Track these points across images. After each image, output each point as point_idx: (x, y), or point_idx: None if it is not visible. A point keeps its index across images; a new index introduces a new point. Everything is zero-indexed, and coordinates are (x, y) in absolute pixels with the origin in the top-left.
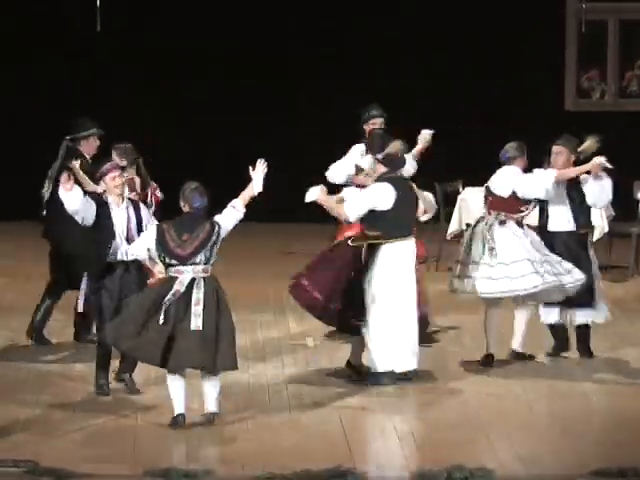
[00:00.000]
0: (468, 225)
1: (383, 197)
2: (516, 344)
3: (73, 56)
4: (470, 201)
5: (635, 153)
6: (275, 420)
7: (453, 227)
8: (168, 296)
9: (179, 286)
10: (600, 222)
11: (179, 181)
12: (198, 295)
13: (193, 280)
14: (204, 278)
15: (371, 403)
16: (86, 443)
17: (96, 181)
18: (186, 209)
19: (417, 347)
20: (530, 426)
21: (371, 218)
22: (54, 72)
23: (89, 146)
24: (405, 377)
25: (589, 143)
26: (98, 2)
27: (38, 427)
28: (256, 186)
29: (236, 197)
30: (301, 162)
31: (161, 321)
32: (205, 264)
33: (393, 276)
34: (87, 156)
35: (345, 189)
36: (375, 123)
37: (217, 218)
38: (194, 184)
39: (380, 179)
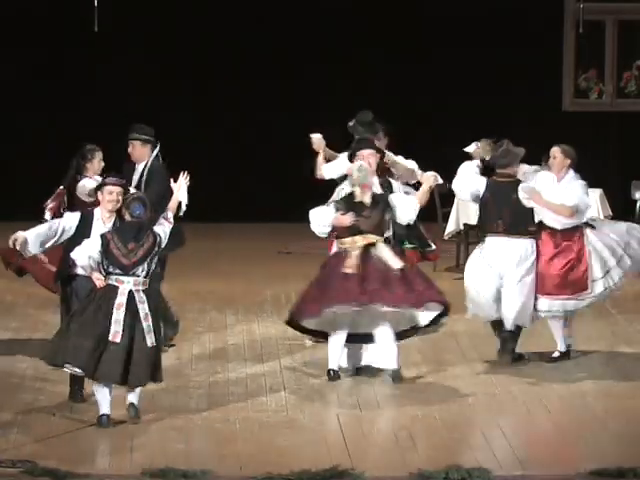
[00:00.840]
0: (465, 225)
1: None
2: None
3: (71, 55)
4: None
5: (633, 153)
6: (273, 420)
7: (450, 227)
8: (114, 313)
9: (121, 298)
10: None
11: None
12: (145, 310)
13: (133, 293)
14: (144, 291)
15: (369, 403)
16: (84, 443)
17: (95, 190)
18: (127, 217)
19: None
20: (528, 426)
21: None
22: (52, 71)
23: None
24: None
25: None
26: (96, 2)
27: (36, 427)
28: (182, 198)
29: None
30: (294, 163)
31: (118, 339)
32: (145, 277)
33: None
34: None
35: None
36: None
37: (157, 229)
38: (137, 194)
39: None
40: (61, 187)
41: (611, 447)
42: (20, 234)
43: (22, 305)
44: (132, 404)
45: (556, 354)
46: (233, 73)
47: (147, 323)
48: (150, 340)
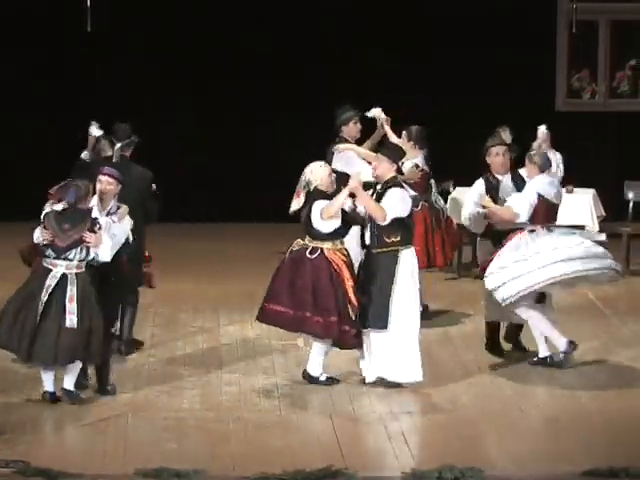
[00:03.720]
0: (458, 225)
1: (406, 203)
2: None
3: (71, 55)
4: (461, 201)
5: (626, 153)
6: (266, 420)
7: None
8: (42, 293)
9: (51, 281)
10: (590, 222)
11: (181, 180)
12: (72, 291)
13: (65, 276)
14: (77, 274)
15: (362, 403)
16: (77, 443)
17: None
18: (64, 204)
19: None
20: (521, 426)
21: (393, 224)
22: (52, 71)
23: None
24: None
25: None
26: (89, 2)
27: (29, 427)
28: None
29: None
30: (294, 163)
31: (37, 319)
32: (79, 261)
33: (413, 282)
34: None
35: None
36: (357, 122)
37: (102, 219)
38: (75, 182)
39: (393, 184)
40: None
41: (604, 447)
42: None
43: None
44: (63, 390)
45: (536, 358)
46: (233, 73)
47: (71, 304)
48: (70, 321)
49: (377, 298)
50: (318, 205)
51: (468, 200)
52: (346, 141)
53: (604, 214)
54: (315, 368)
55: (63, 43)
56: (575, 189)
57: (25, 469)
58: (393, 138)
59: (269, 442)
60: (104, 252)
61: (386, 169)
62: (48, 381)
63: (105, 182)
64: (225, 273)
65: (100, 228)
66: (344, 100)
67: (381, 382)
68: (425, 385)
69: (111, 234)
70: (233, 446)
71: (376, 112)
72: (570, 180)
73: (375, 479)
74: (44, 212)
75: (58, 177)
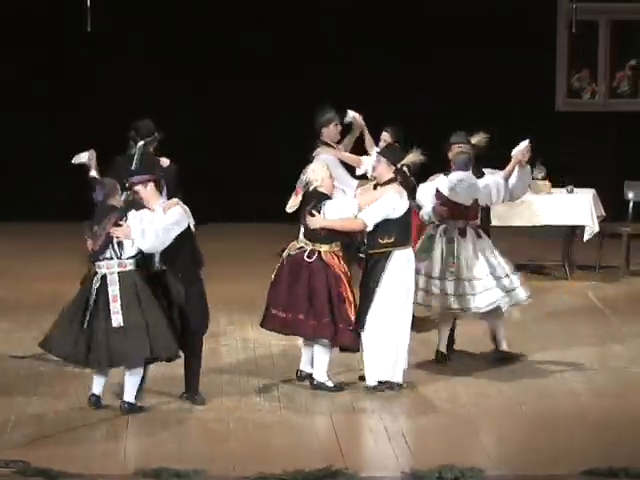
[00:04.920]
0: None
1: (399, 205)
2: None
3: (71, 55)
4: None
5: (626, 153)
6: (266, 420)
7: None
8: (90, 298)
9: (95, 284)
10: (591, 222)
11: (181, 180)
12: (114, 291)
13: (105, 277)
14: (120, 273)
15: (362, 403)
16: (77, 443)
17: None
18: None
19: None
20: (520, 426)
21: (384, 225)
22: (52, 71)
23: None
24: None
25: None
26: (89, 2)
27: (29, 427)
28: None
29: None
30: (294, 163)
31: (85, 325)
32: (119, 259)
33: (406, 282)
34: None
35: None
36: (337, 124)
37: (131, 213)
38: (101, 180)
39: (390, 185)
40: None
41: (603, 447)
42: None
43: (14, 305)
44: (124, 402)
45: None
46: (233, 73)
47: (114, 304)
48: (116, 321)
49: (362, 299)
50: (333, 206)
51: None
52: (326, 144)
53: (604, 214)
54: (321, 374)
55: (63, 43)
56: (575, 189)
57: (25, 469)
58: (369, 142)
59: (269, 442)
60: (140, 242)
61: (385, 170)
62: (98, 385)
63: (137, 191)
64: (225, 273)
65: (126, 220)
66: (344, 100)
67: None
68: (425, 385)
69: (148, 224)
70: (233, 446)
71: (350, 117)
72: (570, 180)
73: (375, 479)
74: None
75: (58, 177)
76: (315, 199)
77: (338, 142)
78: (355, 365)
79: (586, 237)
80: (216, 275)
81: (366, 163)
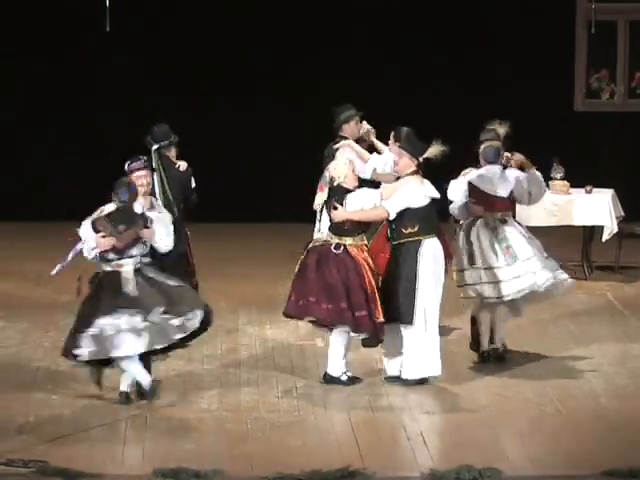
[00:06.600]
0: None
1: (420, 194)
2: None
3: (71, 55)
4: None
5: None
6: (284, 420)
7: None
8: (128, 291)
9: (126, 281)
10: (609, 222)
11: (198, 181)
12: (153, 272)
13: (136, 269)
14: (145, 264)
15: (380, 403)
16: (96, 443)
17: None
18: (116, 203)
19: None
20: (539, 426)
21: (407, 215)
22: (52, 71)
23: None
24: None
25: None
26: (107, 2)
27: (48, 427)
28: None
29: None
30: (305, 163)
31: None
32: (142, 256)
33: (437, 272)
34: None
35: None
36: (358, 121)
37: (150, 213)
38: (124, 179)
39: (412, 176)
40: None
41: (623, 447)
42: None
43: (32, 306)
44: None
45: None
46: (233, 73)
47: (162, 276)
48: (174, 281)
49: (402, 292)
50: (355, 197)
51: (453, 189)
52: (345, 140)
53: (623, 214)
54: (335, 369)
55: (63, 43)
56: (594, 189)
57: (44, 469)
58: (380, 146)
59: (287, 442)
60: (163, 243)
61: (406, 164)
62: (127, 380)
63: (141, 177)
64: (242, 273)
65: (152, 222)
66: (343, 100)
67: (399, 380)
68: (444, 385)
69: (165, 224)
70: (251, 446)
71: (365, 129)
72: (589, 180)
73: (393, 479)
74: (92, 219)
75: (58, 177)
76: (338, 194)
77: (358, 139)
78: (374, 365)
79: (605, 237)
80: (233, 275)
81: (372, 162)
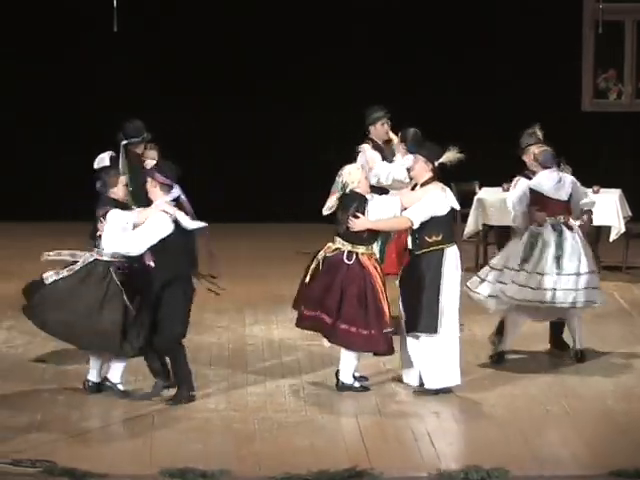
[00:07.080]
0: (485, 226)
1: (444, 202)
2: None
3: (71, 55)
4: (486, 201)
5: None
6: (291, 420)
7: (470, 228)
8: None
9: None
10: (617, 223)
11: (193, 179)
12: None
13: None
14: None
15: (387, 404)
16: (103, 443)
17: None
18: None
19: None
20: (546, 427)
21: (431, 223)
22: (52, 71)
23: (140, 150)
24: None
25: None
26: (115, 2)
27: (55, 427)
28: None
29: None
30: (314, 162)
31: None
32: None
33: (457, 280)
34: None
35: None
36: (385, 123)
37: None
38: (107, 168)
39: (432, 184)
40: None
41: (631, 448)
42: None
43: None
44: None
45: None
46: (233, 73)
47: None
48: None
49: (426, 301)
50: (376, 205)
51: (515, 199)
52: (372, 142)
53: (630, 214)
54: (347, 376)
55: (63, 43)
56: (601, 189)
57: (51, 468)
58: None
59: (294, 442)
60: (108, 242)
61: (422, 169)
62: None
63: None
64: (248, 274)
65: (105, 218)
66: (343, 100)
67: (421, 389)
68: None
69: (125, 228)
70: (258, 446)
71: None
72: (596, 180)
73: None
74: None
75: (57, 177)
76: (354, 201)
77: (387, 142)
78: (381, 367)
79: (612, 237)
80: (239, 275)
81: (376, 171)
